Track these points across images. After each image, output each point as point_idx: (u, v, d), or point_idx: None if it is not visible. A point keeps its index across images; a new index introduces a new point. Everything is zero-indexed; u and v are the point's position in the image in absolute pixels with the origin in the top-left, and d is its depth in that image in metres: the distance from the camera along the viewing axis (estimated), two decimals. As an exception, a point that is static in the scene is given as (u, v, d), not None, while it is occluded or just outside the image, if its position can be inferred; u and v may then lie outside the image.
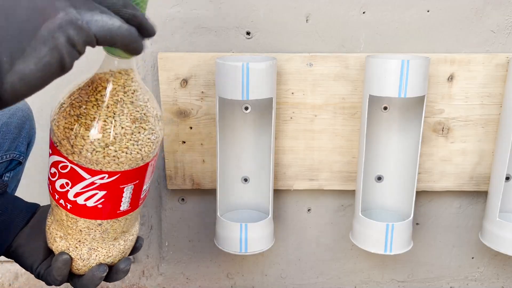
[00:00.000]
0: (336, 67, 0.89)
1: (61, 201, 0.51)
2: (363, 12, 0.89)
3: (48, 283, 0.58)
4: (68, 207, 0.50)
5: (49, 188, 0.52)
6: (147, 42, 0.92)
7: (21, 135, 0.72)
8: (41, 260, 0.58)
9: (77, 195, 0.49)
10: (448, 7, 0.88)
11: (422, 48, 0.91)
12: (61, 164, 0.49)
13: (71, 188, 0.49)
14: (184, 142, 0.95)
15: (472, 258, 1.06)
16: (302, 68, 0.89)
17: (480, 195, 1.00)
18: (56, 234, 0.54)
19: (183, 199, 1.03)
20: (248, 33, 0.91)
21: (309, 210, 1.03)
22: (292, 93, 0.91)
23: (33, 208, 0.61)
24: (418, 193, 0.96)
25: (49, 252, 0.58)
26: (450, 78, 0.89)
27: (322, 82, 0.90)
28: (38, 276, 0.58)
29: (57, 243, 0.54)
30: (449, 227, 1.03)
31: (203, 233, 1.05)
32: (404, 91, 0.79)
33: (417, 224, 1.03)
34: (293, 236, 1.05)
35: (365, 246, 0.90)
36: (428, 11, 0.89)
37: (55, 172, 0.50)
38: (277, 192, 0.99)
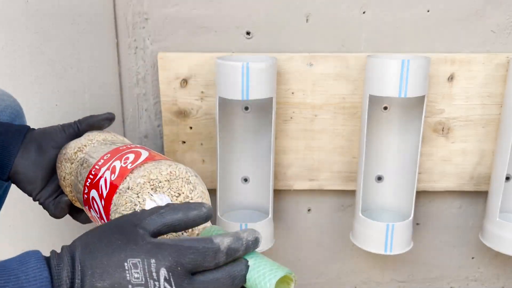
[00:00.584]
0: (336, 67, 0.89)
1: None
2: (363, 12, 0.89)
3: (49, 213, 0.60)
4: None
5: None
6: (148, 42, 0.93)
7: None
8: (40, 189, 0.60)
9: None
10: (448, 7, 0.88)
11: (423, 48, 0.91)
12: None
13: None
14: (184, 142, 0.95)
15: (473, 258, 1.06)
16: (302, 68, 0.89)
17: (480, 195, 1.00)
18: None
19: (183, 199, 1.03)
20: (248, 33, 0.91)
21: (309, 210, 1.03)
22: (292, 93, 0.91)
23: (24, 130, 0.61)
24: (418, 193, 0.95)
25: (47, 181, 0.60)
26: (451, 78, 0.89)
27: (322, 82, 0.90)
28: (39, 203, 0.60)
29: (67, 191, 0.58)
30: (450, 227, 1.03)
31: (203, 233, 1.05)
32: (405, 91, 0.78)
33: (417, 224, 1.03)
34: (293, 236, 1.05)
35: (365, 246, 0.90)
36: (428, 11, 0.89)
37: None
38: (277, 192, 0.99)
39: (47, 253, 0.42)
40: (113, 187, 0.53)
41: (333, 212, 1.03)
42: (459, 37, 0.90)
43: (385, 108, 0.90)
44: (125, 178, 0.51)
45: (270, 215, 0.89)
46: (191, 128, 0.94)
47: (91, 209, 0.59)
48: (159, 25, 0.91)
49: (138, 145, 0.58)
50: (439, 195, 1.00)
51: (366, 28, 0.90)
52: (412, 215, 0.88)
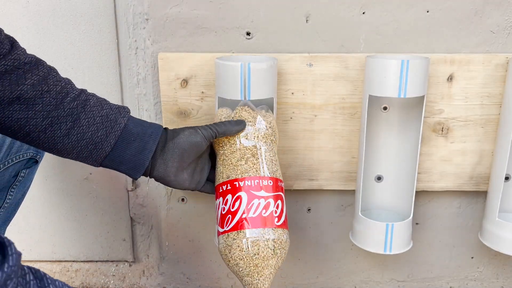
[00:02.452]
0: (336, 67, 0.89)
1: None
2: (363, 12, 0.89)
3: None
4: None
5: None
6: (148, 42, 0.93)
7: None
8: (188, 185, 0.72)
9: None
10: (448, 7, 0.89)
11: (422, 48, 0.91)
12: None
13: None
14: (184, 142, 0.95)
15: (472, 258, 1.06)
16: (302, 68, 0.90)
17: (480, 195, 1.00)
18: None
19: (183, 199, 1.03)
20: (248, 33, 0.91)
21: (309, 210, 1.03)
22: (292, 93, 0.91)
23: (159, 131, 0.68)
24: (418, 193, 0.96)
25: (196, 182, 0.73)
26: (450, 78, 0.89)
27: (322, 82, 0.90)
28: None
29: None
30: (449, 227, 1.03)
31: (203, 233, 1.06)
32: (404, 91, 0.79)
33: (416, 224, 1.03)
34: (293, 236, 1.05)
35: (365, 246, 0.90)
36: (428, 11, 0.89)
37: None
38: (277, 192, 0.99)
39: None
40: (237, 225, 0.68)
41: (332, 212, 1.03)
42: (459, 37, 0.90)
43: (385, 108, 0.91)
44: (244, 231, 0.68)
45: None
46: (191, 128, 0.94)
47: (218, 198, 0.73)
48: (160, 25, 0.91)
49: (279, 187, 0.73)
50: (438, 195, 1.00)
51: (365, 28, 0.90)
52: (411, 215, 0.88)
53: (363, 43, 0.91)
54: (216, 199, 0.73)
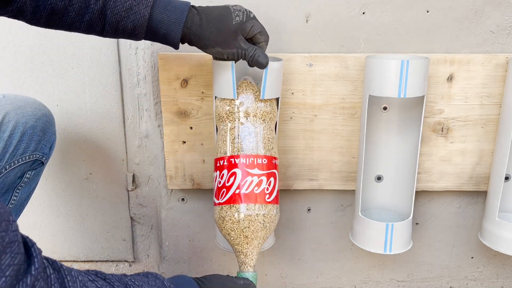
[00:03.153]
0: (336, 67, 0.89)
1: None
2: (363, 12, 0.89)
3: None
4: None
5: None
6: (148, 42, 0.93)
7: (45, 138, 0.78)
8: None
9: None
10: (448, 8, 0.89)
11: (422, 48, 0.91)
12: None
13: None
14: (185, 142, 0.95)
15: (472, 258, 1.06)
16: (302, 68, 0.90)
17: (480, 195, 1.00)
18: None
19: (183, 199, 1.03)
20: (248, 33, 0.91)
21: (309, 210, 1.03)
22: (292, 93, 0.91)
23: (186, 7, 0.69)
24: (418, 193, 0.96)
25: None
26: (450, 78, 0.89)
27: (322, 82, 0.90)
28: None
29: None
30: (449, 227, 1.03)
31: (203, 233, 1.06)
32: (404, 91, 0.79)
33: (416, 224, 1.03)
34: (293, 236, 1.05)
35: (365, 246, 0.90)
36: (427, 11, 0.89)
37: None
38: (277, 192, 0.99)
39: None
40: (230, 199, 0.73)
41: (332, 212, 1.03)
42: (458, 37, 0.90)
43: (385, 108, 0.91)
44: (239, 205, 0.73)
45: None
46: (191, 128, 0.94)
47: (216, 171, 0.76)
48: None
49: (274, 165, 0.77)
50: (438, 195, 1.00)
51: (365, 28, 0.90)
52: (411, 215, 0.88)
53: (363, 43, 0.91)
54: (214, 171, 0.78)
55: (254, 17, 0.72)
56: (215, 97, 0.79)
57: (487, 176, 0.95)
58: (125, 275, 0.57)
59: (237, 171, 0.74)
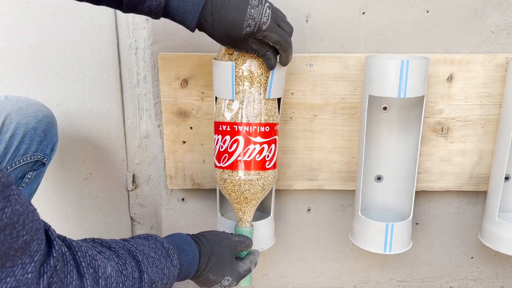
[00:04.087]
0: (336, 67, 0.89)
1: None
2: (363, 13, 0.89)
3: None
4: None
5: None
6: (148, 42, 0.93)
7: (46, 139, 0.78)
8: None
9: None
10: (448, 8, 0.89)
11: (422, 48, 0.91)
12: None
13: None
14: (185, 142, 0.95)
15: (472, 258, 1.06)
16: (302, 68, 0.90)
17: (480, 195, 1.00)
18: None
19: (183, 199, 1.03)
20: (248, 34, 0.91)
21: (309, 210, 1.03)
22: (292, 93, 0.91)
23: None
24: (418, 193, 0.96)
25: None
26: (450, 78, 0.89)
27: (322, 82, 0.90)
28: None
29: None
30: (449, 227, 1.03)
31: (203, 233, 1.06)
32: (404, 91, 0.79)
33: (416, 224, 1.03)
34: (293, 236, 1.05)
35: (365, 246, 0.90)
36: (427, 11, 0.89)
37: None
38: (277, 192, 0.99)
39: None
40: (232, 165, 0.76)
41: (332, 212, 1.03)
42: (458, 37, 0.90)
43: (385, 108, 0.91)
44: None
45: (271, 215, 0.89)
46: (191, 128, 0.94)
47: (217, 134, 0.78)
48: (160, 25, 0.91)
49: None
50: (438, 195, 1.00)
51: (365, 28, 0.90)
52: (411, 215, 0.88)
53: (363, 43, 0.91)
54: (214, 134, 0.79)
55: (269, 28, 0.69)
56: (216, 97, 0.79)
57: (487, 176, 0.95)
58: (126, 240, 0.61)
59: (240, 138, 0.75)
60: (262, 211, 0.95)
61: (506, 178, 0.91)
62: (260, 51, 0.72)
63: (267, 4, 0.69)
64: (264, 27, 0.69)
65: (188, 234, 0.72)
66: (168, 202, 1.04)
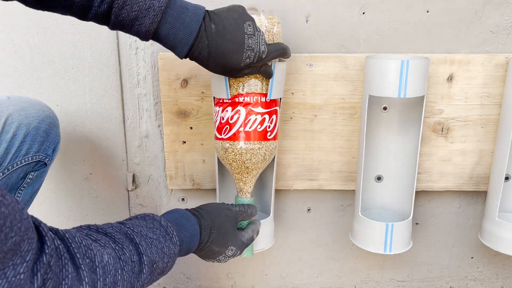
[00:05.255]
0: (336, 68, 0.89)
1: None
2: (363, 13, 0.89)
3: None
4: None
5: None
6: (148, 42, 0.93)
7: (48, 140, 0.78)
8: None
9: None
10: (448, 8, 0.89)
11: (422, 48, 0.91)
12: None
13: None
14: (185, 142, 0.95)
15: (472, 258, 1.06)
16: (302, 68, 0.90)
17: (480, 195, 1.00)
18: None
19: (183, 199, 1.03)
20: (248, 34, 0.91)
21: (309, 210, 1.03)
22: (292, 93, 0.91)
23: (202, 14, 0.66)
24: (418, 193, 0.96)
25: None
26: (450, 78, 0.89)
27: (322, 83, 0.90)
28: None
29: None
30: (449, 227, 1.03)
31: (203, 233, 1.06)
32: (404, 91, 0.79)
33: (416, 224, 1.03)
34: (293, 236, 1.05)
35: (365, 246, 0.90)
36: (427, 11, 0.89)
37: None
38: (277, 192, 0.99)
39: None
40: (233, 136, 0.76)
41: (332, 212, 1.03)
42: (458, 37, 0.90)
43: (385, 108, 0.91)
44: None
45: (271, 215, 0.89)
46: (191, 128, 0.94)
47: (218, 106, 0.77)
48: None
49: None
50: (438, 195, 1.00)
51: (365, 28, 0.90)
52: (411, 215, 0.88)
53: (363, 43, 0.91)
54: (214, 106, 0.79)
55: (268, 54, 0.68)
56: (214, 97, 0.79)
57: (487, 176, 0.95)
58: (123, 223, 0.60)
59: (241, 109, 0.75)
60: (262, 211, 0.95)
61: (506, 178, 0.91)
62: (255, 72, 0.71)
63: (257, 28, 0.68)
64: (263, 56, 0.68)
65: (187, 209, 0.71)
66: (168, 202, 1.04)
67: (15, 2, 0.67)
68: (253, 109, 0.75)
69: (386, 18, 0.89)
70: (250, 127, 0.75)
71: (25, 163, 0.76)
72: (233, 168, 0.78)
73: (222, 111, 0.77)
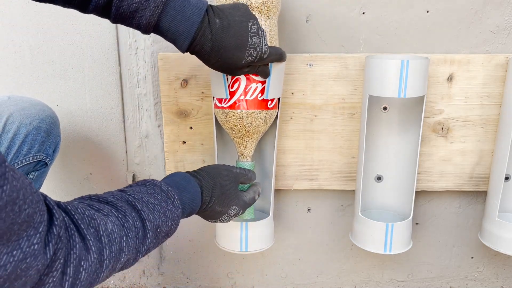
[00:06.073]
0: (336, 68, 0.89)
1: None
2: (363, 12, 0.89)
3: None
4: None
5: None
6: (148, 42, 0.93)
7: (49, 139, 0.78)
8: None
9: None
10: (448, 8, 0.89)
11: (422, 48, 0.91)
12: None
13: None
14: (185, 142, 0.95)
15: (472, 258, 1.06)
16: (302, 68, 0.90)
17: (480, 195, 1.00)
18: None
19: (183, 199, 1.03)
20: (248, 34, 0.91)
21: (309, 210, 1.03)
22: (292, 93, 0.91)
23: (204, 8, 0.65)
24: (418, 193, 0.96)
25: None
26: (450, 78, 0.89)
27: (322, 82, 0.90)
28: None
29: None
30: (449, 227, 1.03)
31: (203, 232, 1.06)
32: (404, 91, 0.79)
33: (416, 224, 1.03)
34: (293, 236, 1.05)
35: (365, 246, 0.90)
36: (427, 11, 0.89)
37: None
38: (277, 192, 0.99)
39: None
40: (234, 105, 0.75)
41: (332, 211, 1.03)
42: (459, 37, 0.90)
43: (385, 108, 0.91)
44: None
45: (271, 214, 0.89)
46: (191, 128, 0.94)
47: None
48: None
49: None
50: (438, 195, 1.00)
51: (365, 28, 0.90)
52: (411, 215, 0.88)
53: (363, 43, 0.91)
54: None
55: (269, 55, 0.69)
56: (213, 97, 0.79)
57: (487, 176, 0.95)
58: (124, 190, 0.61)
59: (242, 77, 0.74)
60: (261, 211, 0.95)
61: (506, 178, 0.91)
62: (253, 71, 0.72)
63: (261, 28, 0.68)
64: (265, 56, 0.69)
65: (187, 172, 0.71)
66: (168, 202, 1.04)
67: (16, 5, 0.67)
68: (253, 77, 0.74)
69: (386, 18, 0.89)
70: (251, 96, 0.75)
71: (26, 163, 0.76)
72: (234, 132, 0.78)
73: (223, 79, 0.76)
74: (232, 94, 0.75)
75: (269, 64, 0.74)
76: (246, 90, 0.74)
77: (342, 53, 0.90)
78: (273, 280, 1.10)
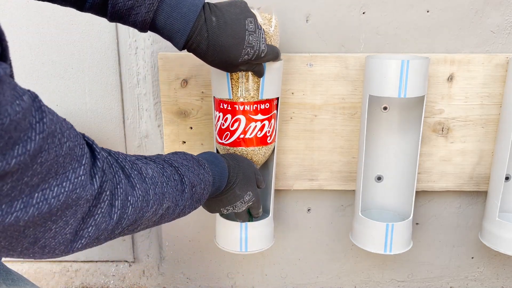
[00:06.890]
0: (336, 67, 0.89)
1: None
2: (363, 13, 0.89)
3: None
4: None
5: None
6: (148, 42, 0.93)
7: None
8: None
9: None
10: (448, 7, 0.89)
11: (422, 48, 0.91)
12: None
13: None
14: (185, 142, 0.95)
15: (472, 258, 1.06)
16: (302, 68, 0.90)
17: (480, 195, 1.00)
18: None
19: (183, 199, 1.03)
20: (248, 33, 0.91)
21: (309, 210, 1.03)
22: (292, 93, 0.91)
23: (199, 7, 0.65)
24: (418, 193, 0.96)
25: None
26: (450, 78, 0.89)
27: (322, 82, 0.90)
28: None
29: None
30: (449, 227, 1.03)
31: (203, 233, 1.06)
32: (404, 91, 0.79)
33: (417, 224, 1.03)
34: (293, 236, 1.05)
35: (365, 246, 0.90)
36: (428, 11, 0.89)
37: None
38: (277, 192, 0.99)
39: None
40: (234, 142, 0.78)
41: (333, 212, 1.03)
42: (459, 37, 0.90)
43: (385, 108, 0.91)
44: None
45: (271, 215, 0.89)
46: (191, 128, 0.94)
47: (218, 112, 0.79)
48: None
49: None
50: (438, 195, 1.00)
51: (365, 28, 0.90)
52: (411, 215, 0.88)
53: (363, 43, 0.91)
54: (215, 110, 0.80)
55: (267, 54, 0.69)
56: (214, 97, 0.80)
57: (487, 176, 0.95)
58: (160, 155, 0.63)
59: (241, 117, 0.76)
60: (262, 211, 0.95)
61: (506, 178, 0.91)
62: (249, 69, 0.72)
63: (259, 26, 0.68)
64: (263, 55, 0.69)
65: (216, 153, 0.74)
66: (168, 202, 1.03)
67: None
68: (252, 117, 0.76)
69: (386, 18, 0.89)
70: (251, 134, 0.78)
71: None
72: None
73: (223, 117, 0.78)
74: (232, 132, 0.78)
75: (263, 64, 0.74)
76: (246, 129, 0.77)
77: (342, 53, 0.90)
78: (273, 280, 1.10)
